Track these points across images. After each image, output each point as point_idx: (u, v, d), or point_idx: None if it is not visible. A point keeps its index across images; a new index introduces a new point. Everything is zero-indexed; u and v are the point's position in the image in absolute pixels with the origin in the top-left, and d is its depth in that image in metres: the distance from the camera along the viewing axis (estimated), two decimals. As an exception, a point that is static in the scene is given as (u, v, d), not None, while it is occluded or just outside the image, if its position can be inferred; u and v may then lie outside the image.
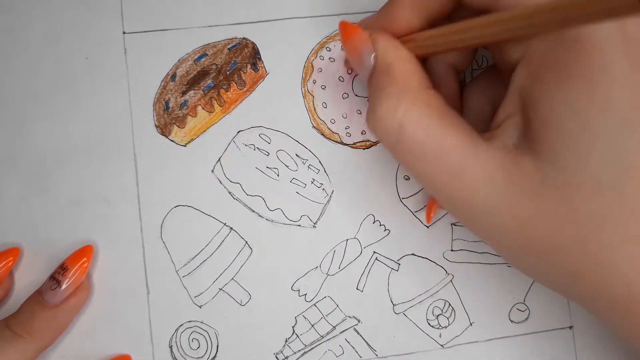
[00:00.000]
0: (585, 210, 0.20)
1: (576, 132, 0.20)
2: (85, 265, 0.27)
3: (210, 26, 0.30)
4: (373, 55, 0.24)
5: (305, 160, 0.30)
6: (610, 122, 0.20)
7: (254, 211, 0.30)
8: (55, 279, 0.27)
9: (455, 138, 0.22)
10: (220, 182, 0.30)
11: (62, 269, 0.27)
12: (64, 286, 0.26)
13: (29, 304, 0.27)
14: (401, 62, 0.24)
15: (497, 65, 0.26)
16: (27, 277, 0.29)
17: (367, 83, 0.25)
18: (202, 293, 0.29)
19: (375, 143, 0.30)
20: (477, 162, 0.22)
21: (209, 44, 0.30)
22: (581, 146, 0.20)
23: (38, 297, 0.27)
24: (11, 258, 0.28)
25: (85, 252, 0.28)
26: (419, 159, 0.23)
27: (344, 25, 0.25)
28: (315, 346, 0.29)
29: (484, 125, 0.25)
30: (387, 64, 0.24)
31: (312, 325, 0.29)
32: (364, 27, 0.26)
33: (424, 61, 0.27)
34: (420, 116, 0.22)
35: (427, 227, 0.30)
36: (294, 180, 0.30)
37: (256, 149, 0.30)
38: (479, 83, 0.28)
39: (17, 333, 0.26)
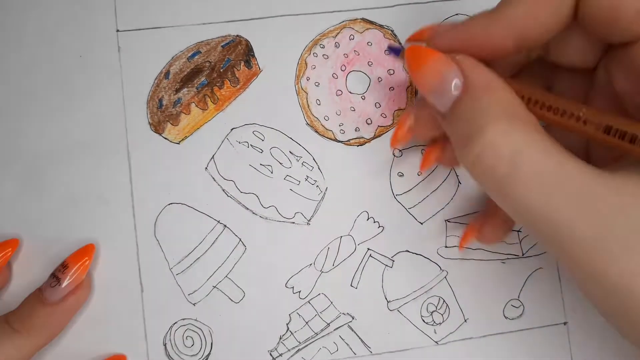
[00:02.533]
0: None
1: None
2: (86, 263, 0.27)
3: (203, 24, 0.30)
4: (454, 82, 0.21)
5: (299, 158, 0.30)
6: None
7: (247, 208, 0.30)
8: (55, 276, 0.27)
9: (577, 163, 0.19)
10: (214, 180, 0.30)
11: (63, 266, 0.27)
12: (64, 284, 0.27)
13: (29, 301, 0.27)
14: (499, 82, 0.21)
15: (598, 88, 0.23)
16: (25, 274, 0.29)
17: (451, 112, 0.21)
18: (196, 291, 0.29)
19: (369, 140, 0.30)
20: (608, 190, 0.19)
21: (202, 42, 0.30)
22: None
23: (38, 294, 0.27)
24: (10, 249, 0.28)
25: (86, 251, 0.28)
26: (539, 189, 0.19)
27: (414, 51, 0.22)
28: (310, 343, 0.29)
29: None
30: (486, 84, 0.21)
31: (307, 323, 0.29)
32: (433, 44, 0.23)
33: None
34: (539, 141, 0.19)
35: (421, 223, 0.30)
36: (287, 178, 0.30)
37: (250, 146, 0.30)
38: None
39: (15, 329, 0.26)
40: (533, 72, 0.25)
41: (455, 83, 0.21)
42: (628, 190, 0.19)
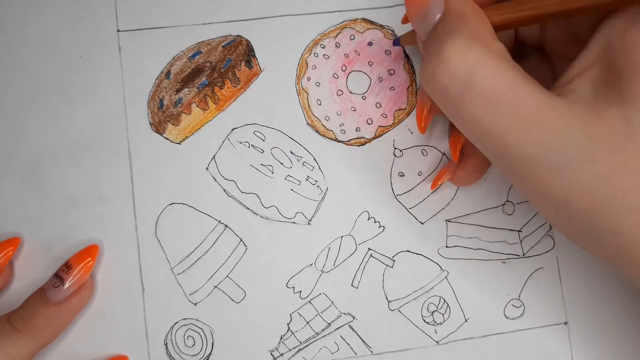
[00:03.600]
0: None
1: None
2: (89, 264, 0.27)
3: (204, 24, 0.30)
4: (439, 14, 0.22)
5: (299, 158, 0.30)
6: None
7: (248, 208, 0.30)
8: (59, 276, 0.27)
9: (530, 87, 0.20)
10: (215, 180, 0.30)
11: (67, 267, 0.27)
12: (67, 284, 0.27)
13: (32, 301, 0.27)
14: (474, 11, 0.22)
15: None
16: (26, 273, 0.29)
17: (429, 34, 0.23)
18: (197, 291, 0.29)
19: (370, 140, 0.30)
20: (555, 112, 0.20)
21: (203, 42, 0.30)
22: None
23: (41, 294, 0.27)
24: (11, 248, 0.28)
25: (90, 252, 0.28)
26: (489, 109, 0.20)
27: None
28: (310, 343, 0.29)
29: None
30: (460, 10, 0.22)
31: (307, 322, 0.29)
32: None
33: None
34: (493, 62, 0.20)
35: (422, 223, 0.30)
36: (288, 178, 0.30)
37: (251, 146, 0.30)
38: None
39: (17, 328, 0.26)
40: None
41: (438, 12, 0.22)
42: (574, 111, 0.20)
